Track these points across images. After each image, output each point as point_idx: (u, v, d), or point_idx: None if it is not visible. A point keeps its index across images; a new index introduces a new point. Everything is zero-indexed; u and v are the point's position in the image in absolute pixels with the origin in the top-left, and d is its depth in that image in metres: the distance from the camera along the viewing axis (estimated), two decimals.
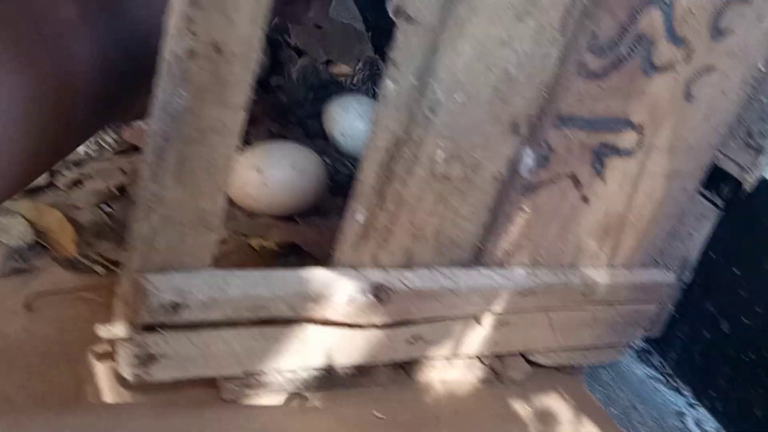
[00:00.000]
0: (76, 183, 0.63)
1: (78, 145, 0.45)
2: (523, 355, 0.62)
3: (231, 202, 0.66)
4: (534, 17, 0.46)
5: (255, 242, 0.61)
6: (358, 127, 0.75)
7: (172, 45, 0.36)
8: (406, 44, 0.43)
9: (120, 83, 0.42)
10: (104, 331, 0.42)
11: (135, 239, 0.41)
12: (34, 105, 0.34)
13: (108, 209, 0.61)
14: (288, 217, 0.66)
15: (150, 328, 0.42)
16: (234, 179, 0.65)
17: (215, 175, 0.41)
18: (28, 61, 0.34)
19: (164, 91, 0.38)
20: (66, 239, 0.56)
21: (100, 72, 0.39)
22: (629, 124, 0.55)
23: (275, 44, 0.90)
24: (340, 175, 0.73)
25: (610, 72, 0.51)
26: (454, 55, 0.45)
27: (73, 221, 0.58)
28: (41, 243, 0.55)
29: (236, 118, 0.40)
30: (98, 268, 0.55)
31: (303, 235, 0.64)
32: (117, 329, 0.42)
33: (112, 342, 0.45)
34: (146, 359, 0.42)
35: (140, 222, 0.41)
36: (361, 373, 0.53)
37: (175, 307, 0.41)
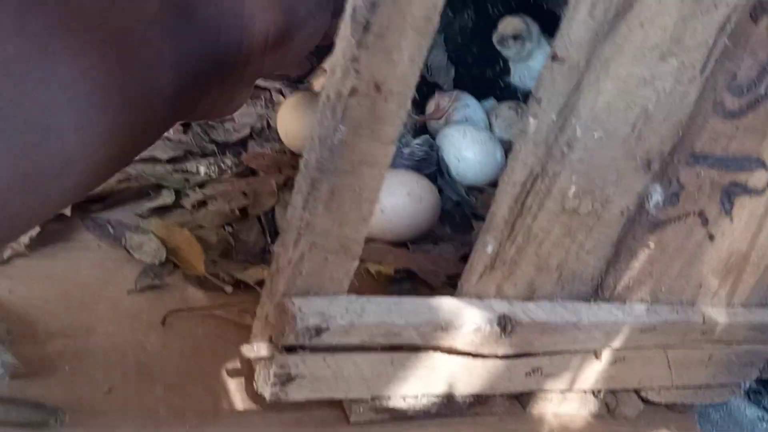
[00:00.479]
0: (201, 204, 0.66)
1: (155, 140, 0.46)
2: (636, 392, 0.61)
3: None
4: (677, 57, 0.46)
5: (372, 267, 0.62)
6: (470, 155, 0.75)
7: (336, 83, 0.38)
8: (551, 82, 0.43)
9: (193, 81, 0.42)
10: (249, 350, 0.43)
11: (282, 263, 0.43)
12: (119, 98, 0.35)
13: (230, 230, 0.63)
14: (402, 244, 0.67)
15: (291, 349, 0.44)
16: None
17: (361, 205, 0.42)
18: (114, 56, 0.34)
19: (324, 125, 0.39)
20: (195, 258, 0.58)
21: (176, 69, 0.40)
22: (761, 164, 0.54)
23: None
24: (448, 203, 0.74)
25: (748, 112, 0.51)
26: (596, 94, 0.45)
27: (200, 240, 0.60)
28: (172, 260, 0.58)
29: (386, 152, 0.41)
30: (227, 287, 0.57)
31: (417, 261, 0.64)
32: (261, 349, 0.43)
33: (249, 361, 0.46)
34: (285, 379, 0.44)
35: (288, 247, 0.42)
36: (479, 402, 0.53)
37: (319, 330, 0.42)
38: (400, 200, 0.64)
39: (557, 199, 0.49)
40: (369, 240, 0.67)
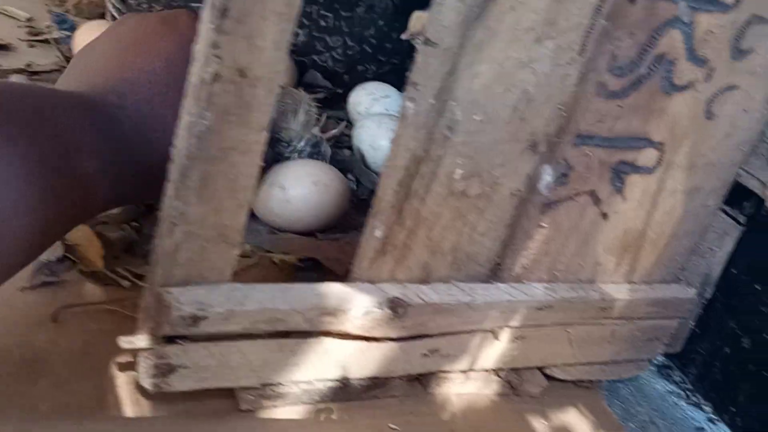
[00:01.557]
0: None
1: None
2: (540, 370, 0.62)
3: (255, 219, 0.68)
4: (553, 39, 0.46)
5: (277, 257, 0.62)
6: (385, 144, 0.75)
7: (199, 69, 0.37)
8: (425, 66, 0.44)
9: (128, 189, 0.46)
10: (126, 342, 0.43)
11: (158, 254, 0.43)
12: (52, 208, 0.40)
13: (136, 225, 0.62)
14: (311, 233, 0.67)
15: (171, 339, 0.43)
16: (258, 196, 0.66)
17: (237, 192, 0.42)
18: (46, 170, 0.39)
19: (190, 113, 0.39)
20: (93, 253, 0.57)
21: (110, 183, 0.45)
22: (649, 143, 0.55)
23: (302, 66, 0.91)
24: (364, 191, 0.74)
25: (630, 92, 0.52)
26: (473, 77, 0.45)
27: (101, 236, 0.59)
28: (69, 257, 0.57)
29: (258, 139, 0.41)
30: (124, 282, 0.56)
31: (324, 250, 0.64)
32: (138, 340, 0.43)
33: (134, 354, 0.46)
34: (166, 370, 0.44)
35: (163, 237, 0.42)
36: (377, 385, 0.54)
37: (195, 319, 0.42)
38: (306, 190, 0.64)
39: (444, 183, 0.49)
40: (277, 230, 0.67)
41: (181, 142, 0.40)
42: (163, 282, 0.43)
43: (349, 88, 0.91)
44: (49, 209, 0.40)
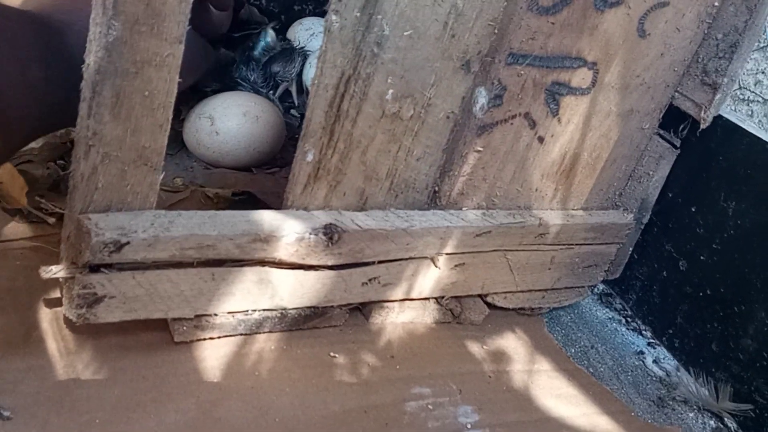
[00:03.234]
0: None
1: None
2: (482, 298, 0.62)
3: (189, 156, 0.66)
4: None
5: (211, 191, 0.61)
6: None
7: None
8: None
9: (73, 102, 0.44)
10: (46, 272, 0.41)
11: (75, 179, 0.41)
12: None
13: (62, 163, 0.60)
14: (246, 169, 0.65)
15: (94, 268, 0.42)
16: (188, 129, 0.64)
17: (154, 111, 0.40)
18: None
19: (97, 23, 0.37)
20: (17, 190, 0.55)
21: (56, 91, 0.44)
22: (582, 62, 0.55)
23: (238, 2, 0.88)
24: None
25: (562, 7, 0.51)
26: None
27: (25, 174, 0.57)
28: None
29: (173, 52, 0.39)
30: (49, 219, 0.54)
31: (259, 184, 0.63)
32: (60, 270, 0.41)
33: (61, 287, 0.44)
34: (91, 300, 0.42)
35: (80, 160, 0.40)
36: (316, 314, 0.53)
37: (118, 245, 0.40)
38: (235, 121, 0.62)
39: (375, 103, 0.48)
40: (210, 166, 0.66)
41: (91, 56, 0.38)
42: (83, 208, 0.41)
43: (286, 25, 0.88)
44: (3, 113, 0.40)
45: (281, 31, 0.88)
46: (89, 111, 0.38)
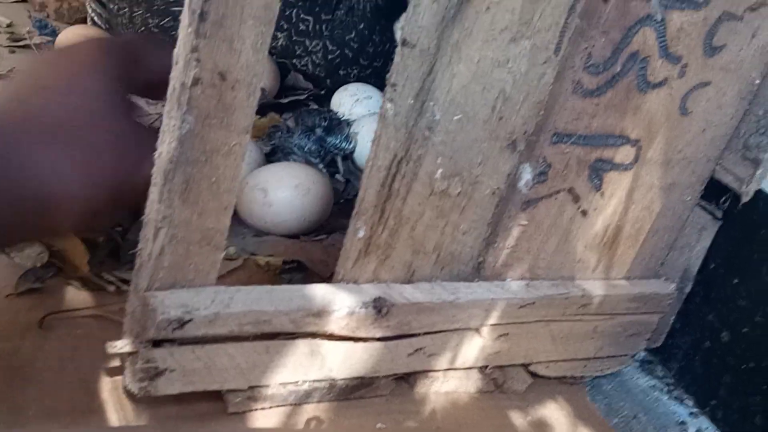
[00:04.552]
0: None
1: None
2: (524, 367, 0.63)
3: (240, 222, 0.68)
4: (528, 39, 0.47)
5: (262, 260, 0.63)
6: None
7: (179, 74, 0.38)
8: (403, 67, 0.44)
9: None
10: (112, 347, 0.43)
11: (143, 258, 0.43)
12: None
13: (119, 230, 0.63)
14: (295, 236, 0.67)
15: (157, 343, 0.44)
16: (241, 199, 0.67)
17: (220, 195, 0.42)
18: None
19: (171, 116, 0.39)
20: (79, 259, 0.58)
21: None
22: (626, 140, 0.56)
23: (284, 68, 0.91)
24: (352, 190, 0.75)
25: (606, 90, 0.53)
26: (451, 77, 0.46)
27: (86, 242, 0.59)
28: (55, 263, 0.57)
29: (240, 141, 0.41)
30: (110, 287, 0.56)
31: (308, 252, 0.65)
32: (125, 345, 0.43)
33: (122, 358, 0.46)
34: (153, 374, 0.44)
35: (148, 241, 0.42)
36: (363, 385, 0.54)
37: (181, 322, 0.42)
38: (288, 193, 0.64)
39: (425, 182, 0.50)
40: (261, 233, 0.68)
41: (164, 146, 0.40)
42: (148, 286, 0.43)
43: (331, 90, 0.91)
44: None
45: (326, 96, 0.91)
46: (160, 196, 0.41)
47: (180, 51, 0.38)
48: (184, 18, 0.37)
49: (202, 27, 0.37)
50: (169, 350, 0.44)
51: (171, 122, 0.39)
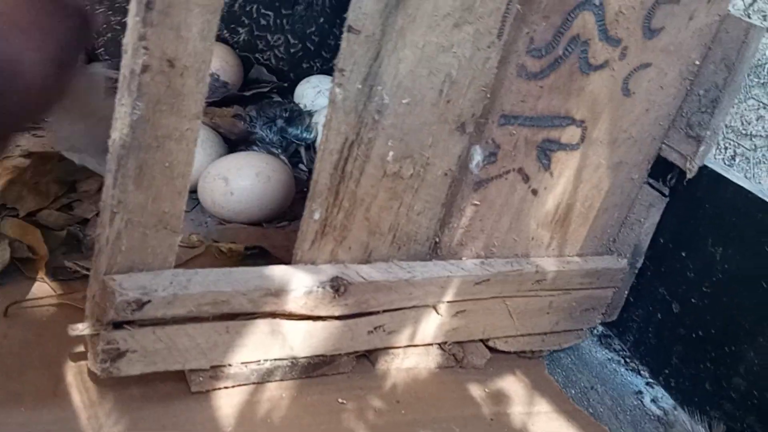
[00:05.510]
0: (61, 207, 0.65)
1: None
2: (483, 343, 0.65)
3: (203, 212, 0.69)
4: (471, 24, 0.49)
5: (224, 247, 0.64)
6: None
7: (129, 62, 0.39)
8: (350, 53, 0.46)
9: None
10: (74, 329, 0.44)
11: (101, 243, 0.44)
12: None
13: (78, 227, 0.63)
14: (258, 224, 0.69)
15: (118, 325, 0.45)
16: (203, 189, 0.68)
17: (174, 180, 0.44)
18: None
19: (122, 103, 0.41)
20: (41, 250, 0.58)
21: None
22: (571, 120, 0.58)
23: (247, 61, 0.93)
24: None
25: (549, 72, 0.55)
26: (397, 62, 0.48)
27: (46, 235, 0.60)
28: (20, 257, 0.58)
29: (191, 126, 0.43)
30: (72, 276, 0.57)
31: (270, 238, 0.66)
32: (86, 327, 0.45)
33: (85, 342, 0.47)
34: (115, 355, 0.45)
35: (105, 226, 0.44)
36: (325, 362, 0.56)
37: (140, 303, 0.44)
38: (249, 181, 0.66)
39: (377, 164, 0.52)
40: (224, 222, 0.69)
41: (116, 133, 0.41)
42: (107, 270, 0.45)
43: (295, 82, 0.93)
44: None
45: (290, 89, 0.92)
46: (114, 182, 0.42)
47: (129, 39, 0.39)
48: (132, 7, 0.39)
49: (149, 16, 0.38)
50: (130, 332, 0.45)
51: (122, 109, 0.41)
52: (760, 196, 0.60)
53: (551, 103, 0.56)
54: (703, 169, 0.65)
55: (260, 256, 0.65)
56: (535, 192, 0.61)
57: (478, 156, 0.56)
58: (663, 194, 0.67)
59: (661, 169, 0.67)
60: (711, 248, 0.64)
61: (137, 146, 0.41)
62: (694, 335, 0.66)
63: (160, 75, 0.40)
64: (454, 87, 0.51)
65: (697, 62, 0.62)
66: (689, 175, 0.64)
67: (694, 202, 0.66)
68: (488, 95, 0.53)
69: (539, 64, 0.54)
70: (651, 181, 0.67)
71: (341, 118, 0.48)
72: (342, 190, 0.51)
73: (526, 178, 0.59)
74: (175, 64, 0.40)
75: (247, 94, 0.90)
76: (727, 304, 0.63)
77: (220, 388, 0.52)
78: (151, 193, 0.44)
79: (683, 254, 0.67)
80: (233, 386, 0.52)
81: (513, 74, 0.53)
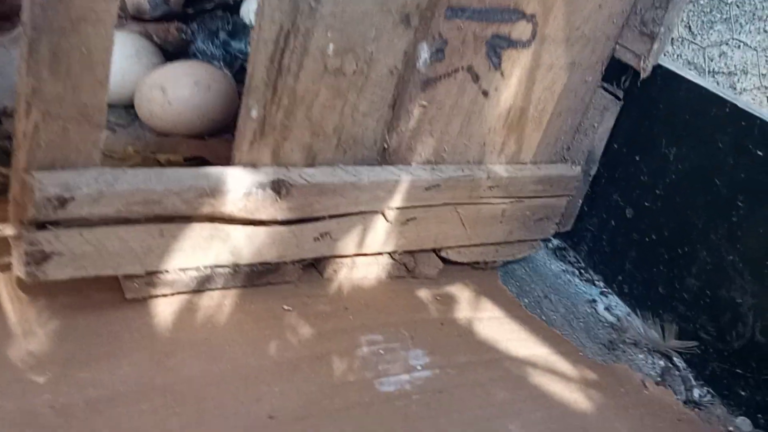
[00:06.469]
0: None
1: None
2: (435, 252, 0.63)
3: (141, 125, 0.66)
4: None
5: (162, 158, 0.61)
6: None
7: None
8: None
9: None
10: None
11: (18, 137, 0.41)
12: None
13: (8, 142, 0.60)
14: (199, 136, 0.66)
15: (41, 225, 0.42)
16: (140, 100, 0.65)
17: (93, 67, 0.41)
18: None
19: None
20: None
21: None
22: (521, 14, 0.56)
23: None
24: None
25: None
26: None
27: None
28: None
29: (108, 8, 0.39)
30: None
31: (211, 149, 0.64)
32: (6, 228, 0.42)
33: (11, 248, 0.45)
34: (39, 257, 0.43)
35: (21, 119, 0.41)
36: (270, 270, 0.54)
37: (62, 201, 0.41)
38: (187, 90, 0.63)
39: (317, 58, 0.49)
40: (163, 134, 0.66)
41: (26, 13, 0.38)
42: (27, 166, 0.42)
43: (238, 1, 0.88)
44: None
45: (235, 8, 0.88)
46: (28, 68, 0.39)
47: None
48: None
49: None
50: (54, 233, 0.43)
51: None
52: (713, 91, 0.59)
53: None
54: (657, 69, 0.63)
55: (202, 166, 0.62)
56: (485, 93, 0.59)
57: (424, 53, 0.54)
58: (617, 97, 0.65)
59: (615, 71, 0.65)
60: (665, 149, 0.63)
61: (49, 28, 0.38)
62: (647, 239, 0.66)
63: None
64: None
65: None
66: (643, 75, 0.63)
67: (648, 104, 0.65)
68: None
69: None
70: (605, 84, 0.66)
71: (275, 3, 0.45)
72: (280, 85, 0.48)
73: (476, 78, 0.57)
74: None
75: (190, 11, 0.85)
76: (680, 204, 0.62)
77: (157, 296, 0.50)
78: (70, 83, 0.40)
79: (637, 158, 0.66)
80: (172, 294, 0.50)
81: None
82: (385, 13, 0.50)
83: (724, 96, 0.58)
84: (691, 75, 0.61)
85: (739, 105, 0.57)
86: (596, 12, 0.60)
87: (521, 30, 0.57)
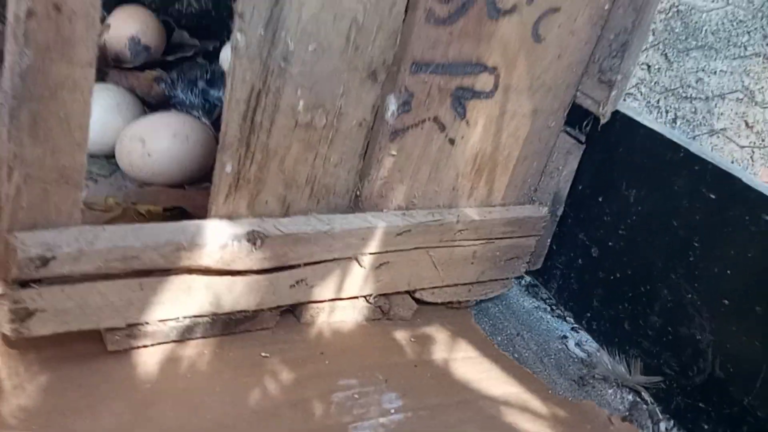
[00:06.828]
0: None
1: None
2: (409, 294, 0.65)
3: (123, 176, 0.68)
4: None
5: (142, 208, 0.63)
6: None
7: (14, 7, 0.38)
8: None
9: None
10: None
11: (1, 200, 0.43)
12: None
13: None
14: (179, 185, 0.68)
15: (24, 284, 0.44)
16: (120, 151, 0.67)
17: (71, 131, 0.43)
18: None
19: (11, 52, 0.39)
20: None
21: None
22: (483, 67, 0.59)
23: (168, 26, 0.91)
24: None
25: (457, 17, 0.55)
26: (299, 6, 0.47)
27: None
28: None
29: (85, 75, 0.42)
30: None
31: (190, 199, 0.66)
32: None
33: None
34: (23, 314, 0.44)
35: (3, 182, 0.42)
36: (248, 318, 0.56)
37: (44, 260, 0.43)
38: (165, 143, 0.65)
39: (288, 114, 0.51)
40: (144, 184, 0.68)
41: (7, 83, 0.40)
42: (9, 227, 0.43)
43: (219, 45, 0.91)
44: None
45: (215, 54, 0.91)
46: (9, 135, 0.41)
47: None
48: None
49: None
50: (37, 290, 0.44)
51: (12, 58, 0.39)
52: (668, 137, 0.62)
53: (462, 49, 0.57)
54: (616, 114, 0.66)
55: (181, 217, 0.64)
56: (452, 141, 0.61)
57: (392, 105, 0.56)
58: (579, 141, 0.68)
59: (577, 116, 0.68)
60: (625, 191, 0.66)
61: (29, 96, 0.40)
62: (612, 278, 0.68)
63: (46, 20, 0.39)
64: (362, 33, 0.51)
65: (607, 6, 0.63)
66: (603, 121, 0.66)
67: (608, 148, 0.68)
68: (398, 42, 0.53)
69: (447, 8, 0.54)
70: (567, 128, 0.68)
71: (245, 65, 0.48)
72: (253, 141, 0.51)
73: (443, 127, 0.60)
74: (61, 8, 0.39)
75: (171, 59, 0.88)
76: (641, 244, 0.65)
77: (138, 347, 0.51)
78: (49, 147, 0.42)
79: (600, 199, 0.69)
80: (152, 344, 0.52)
81: (422, 20, 0.53)
82: (352, 70, 0.52)
83: (678, 141, 0.61)
84: (648, 121, 0.64)
85: (692, 150, 0.60)
86: (556, 62, 0.63)
87: (484, 81, 0.60)
